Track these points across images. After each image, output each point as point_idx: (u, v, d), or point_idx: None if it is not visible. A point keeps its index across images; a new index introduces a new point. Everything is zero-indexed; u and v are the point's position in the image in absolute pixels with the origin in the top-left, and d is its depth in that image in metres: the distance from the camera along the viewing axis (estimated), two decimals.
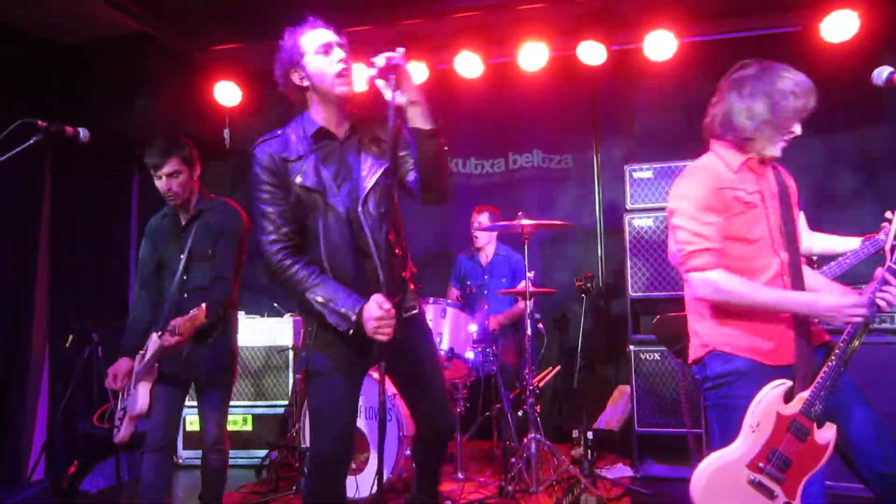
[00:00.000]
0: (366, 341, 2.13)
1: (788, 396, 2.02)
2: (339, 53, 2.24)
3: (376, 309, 2.08)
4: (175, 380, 3.02)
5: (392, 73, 2.06)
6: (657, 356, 4.17)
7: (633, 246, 4.35)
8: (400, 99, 2.09)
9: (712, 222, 2.10)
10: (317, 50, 2.24)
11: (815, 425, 2.00)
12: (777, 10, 4.77)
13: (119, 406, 3.14)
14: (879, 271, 2.04)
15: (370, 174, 2.25)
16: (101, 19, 4.46)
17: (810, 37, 4.61)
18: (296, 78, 2.27)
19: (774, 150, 2.16)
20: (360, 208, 2.22)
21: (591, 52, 4.86)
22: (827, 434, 2.01)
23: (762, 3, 4.73)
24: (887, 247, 2.13)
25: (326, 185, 2.23)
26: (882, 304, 1.99)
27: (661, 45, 4.78)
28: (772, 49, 4.70)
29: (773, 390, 2.02)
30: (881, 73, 2.01)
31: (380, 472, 2.10)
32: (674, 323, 3.33)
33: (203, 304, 2.70)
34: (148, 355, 2.96)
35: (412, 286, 2.40)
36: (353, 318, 2.12)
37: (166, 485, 3.00)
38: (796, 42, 4.72)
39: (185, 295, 3.02)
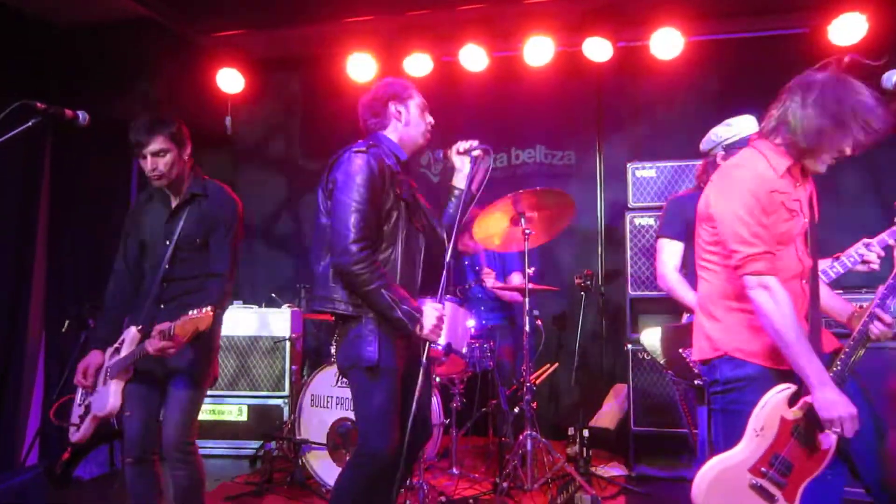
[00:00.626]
0: (418, 344, 2.41)
1: (793, 400, 2.02)
2: (430, 119, 2.75)
3: (434, 313, 2.37)
4: (149, 376, 2.73)
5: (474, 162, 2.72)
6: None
7: (634, 245, 4.34)
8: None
9: (767, 224, 2.06)
10: (420, 104, 2.71)
11: (817, 430, 1.99)
12: (785, 11, 4.74)
13: (79, 401, 2.86)
14: (880, 289, 2.08)
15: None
16: (103, 2, 4.41)
17: (818, 39, 4.58)
18: (393, 108, 2.65)
19: (820, 167, 2.12)
20: (439, 230, 2.72)
21: (597, 49, 4.83)
22: (829, 439, 2.00)
23: (770, 3, 4.70)
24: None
25: (413, 199, 2.63)
26: (872, 336, 2.05)
27: (667, 44, 4.75)
28: (779, 51, 4.67)
29: (778, 394, 2.01)
30: (891, 77, 1.99)
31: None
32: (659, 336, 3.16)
33: (210, 307, 2.48)
34: (124, 351, 2.69)
35: None
36: (419, 317, 2.37)
37: (156, 493, 2.76)
38: (804, 44, 4.68)
39: (167, 286, 2.77)
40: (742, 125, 3.11)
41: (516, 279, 4.60)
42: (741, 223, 2.06)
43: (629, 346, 4.21)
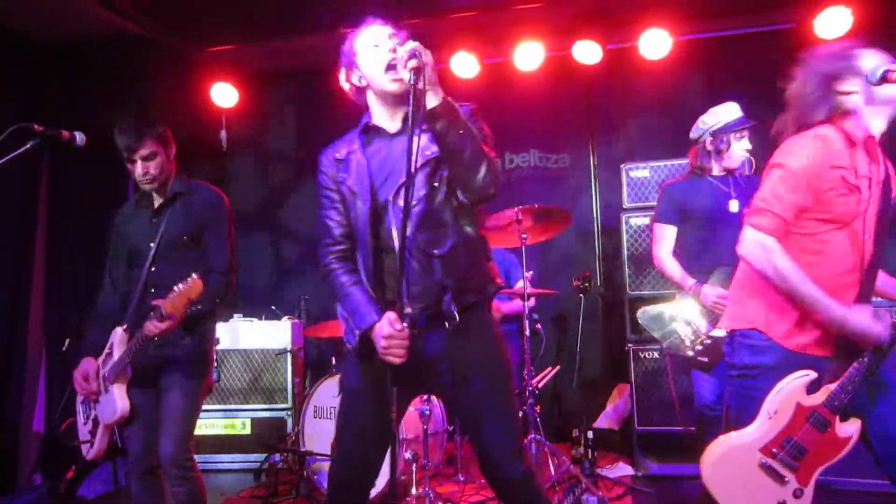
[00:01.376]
0: (404, 365, 1.93)
1: (814, 387, 2.00)
2: (387, 44, 2.08)
3: (386, 327, 1.90)
4: (148, 380, 2.66)
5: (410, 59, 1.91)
6: (656, 354, 4.17)
7: (631, 245, 4.35)
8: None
9: (799, 193, 2.02)
10: (367, 46, 2.11)
11: (837, 418, 1.98)
12: (771, 7, 4.79)
13: (84, 415, 2.79)
14: None
15: (412, 167, 1.95)
16: (97, 20, 4.44)
17: (804, 34, 4.62)
18: (354, 79, 2.16)
19: (875, 129, 2.09)
20: (390, 201, 2.04)
21: (587, 52, 4.88)
22: (850, 428, 2.00)
23: (755, 0, 4.74)
24: None
25: (364, 181, 2.09)
26: None
27: (656, 44, 4.80)
28: (766, 46, 4.71)
29: (796, 381, 2.00)
30: (876, 72, 2.00)
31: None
32: (653, 315, 3.33)
33: (194, 275, 2.40)
34: (116, 354, 2.64)
35: (457, 293, 2.01)
36: (357, 335, 1.99)
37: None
38: (790, 39, 4.72)
39: (153, 289, 2.68)
40: (725, 112, 3.31)
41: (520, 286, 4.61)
42: (774, 181, 2.06)
43: (630, 345, 4.22)
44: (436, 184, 2.03)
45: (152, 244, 2.72)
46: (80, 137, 2.57)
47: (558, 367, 4.56)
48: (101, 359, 2.73)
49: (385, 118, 2.16)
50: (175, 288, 2.43)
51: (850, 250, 2.07)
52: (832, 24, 4.49)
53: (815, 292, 1.97)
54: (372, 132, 2.16)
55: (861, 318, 1.96)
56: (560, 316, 5.33)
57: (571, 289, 4.41)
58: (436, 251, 2.00)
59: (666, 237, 3.46)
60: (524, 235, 3.96)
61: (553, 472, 3.81)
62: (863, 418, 2.02)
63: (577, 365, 4.44)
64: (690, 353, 3.07)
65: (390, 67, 2.04)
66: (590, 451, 4.05)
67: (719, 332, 2.90)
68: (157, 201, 2.81)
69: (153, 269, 2.71)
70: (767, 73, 2.27)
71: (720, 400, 3.22)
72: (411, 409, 3.77)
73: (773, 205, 2.03)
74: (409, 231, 1.93)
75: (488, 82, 5.30)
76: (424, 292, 2.00)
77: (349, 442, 2.08)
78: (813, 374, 1.99)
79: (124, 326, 2.68)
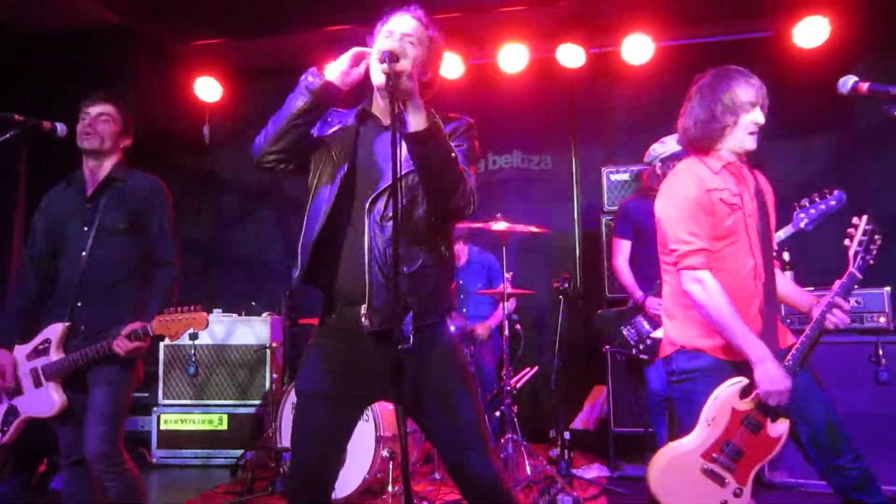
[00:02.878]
0: (364, 367, 1.92)
1: (746, 392, 2.13)
2: (397, 35, 1.96)
3: None
4: (73, 378, 2.58)
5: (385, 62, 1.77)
6: (624, 357, 4.21)
7: (610, 247, 4.38)
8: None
9: (703, 223, 2.19)
10: (383, 31, 1.99)
11: (768, 419, 2.11)
12: (751, 15, 4.87)
13: None
14: (836, 284, 2.19)
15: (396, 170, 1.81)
16: (80, 10, 4.40)
17: (783, 42, 4.72)
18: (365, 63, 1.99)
19: (745, 145, 2.26)
20: (366, 208, 1.93)
21: (571, 55, 4.92)
22: (780, 427, 2.12)
23: (736, 8, 4.82)
24: (851, 252, 2.21)
25: (345, 153, 1.98)
26: (830, 326, 2.15)
27: (638, 49, 4.86)
28: (746, 53, 4.77)
29: (730, 387, 2.13)
30: (846, 83, 2.07)
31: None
32: (606, 318, 3.96)
33: (199, 307, 2.44)
34: (54, 354, 2.54)
35: (418, 313, 1.92)
36: None
37: (91, 493, 2.61)
38: (769, 47, 4.81)
39: (90, 275, 2.58)
40: (673, 142, 3.71)
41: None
42: (677, 223, 2.23)
43: (608, 347, 4.26)
44: (416, 198, 1.93)
45: (86, 228, 2.61)
46: (60, 128, 2.56)
47: (536, 368, 4.58)
48: (26, 349, 2.60)
49: (379, 109, 2.07)
50: (168, 311, 2.43)
51: (745, 261, 2.23)
52: (810, 33, 4.59)
53: (744, 330, 2.11)
54: (366, 116, 2.07)
55: (776, 373, 2.08)
56: (539, 317, 5.36)
57: (551, 290, 4.45)
58: (404, 269, 1.89)
59: (622, 251, 3.99)
60: (505, 238, 4.00)
61: (529, 472, 3.84)
62: (791, 419, 2.15)
63: (556, 366, 4.47)
64: (634, 352, 3.78)
65: (381, 61, 1.82)
66: (566, 451, 4.08)
67: (659, 335, 3.18)
68: (91, 185, 2.68)
69: (89, 257, 2.59)
70: None
71: (664, 387, 3.66)
72: (389, 407, 3.78)
73: (693, 242, 2.20)
74: (379, 243, 1.90)
75: (472, 83, 5.32)
76: (384, 308, 1.89)
77: (306, 447, 1.99)
78: (744, 381, 2.12)
79: (67, 324, 2.56)
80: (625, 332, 3.84)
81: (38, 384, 2.58)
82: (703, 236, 2.19)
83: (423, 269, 1.93)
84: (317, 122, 2.03)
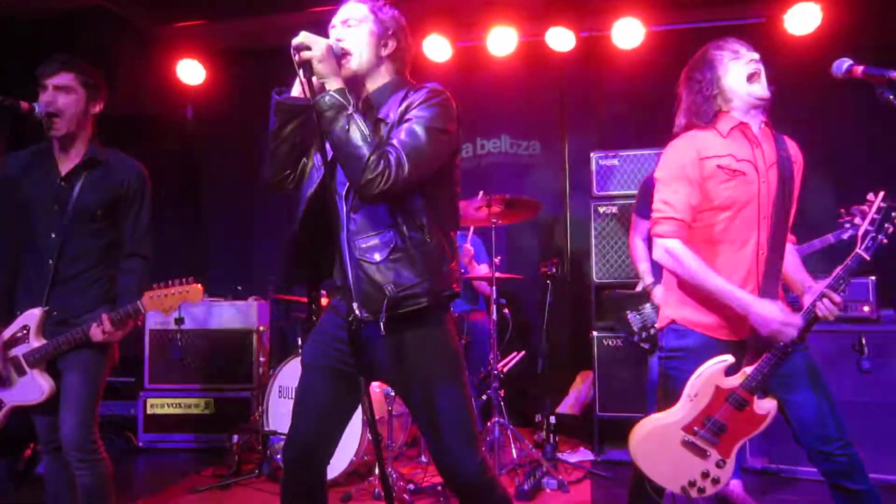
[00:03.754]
0: (353, 342, 1.94)
1: (734, 369, 2.11)
2: (332, 28, 2.05)
3: None
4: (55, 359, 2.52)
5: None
6: (619, 342, 4.23)
7: (599, 233, 4.40)
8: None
9: (682, 192, 2.16)
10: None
11: (755, 397, 2.10)
12: (742, 1, 4.84)
13: None
14: (840, 266, 2.07)
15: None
16: None
17: (774, 28, 4.69)
18: None
19: (756, 93, 2.20)
20: (342, 195, 1.98)
21: (560, 39, 4.88)
22: (767, 405, 2.11)
23: None
24: (860, 231, 2.07)
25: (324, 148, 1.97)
26: (819, 314, 2.06)
27: (629, 33, 4.83)
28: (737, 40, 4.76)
29: (714, 366, 2.11)
30: (841, 65, 2.05)
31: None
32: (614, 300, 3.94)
33: (191, 278, 2.37)
34: (34, 340, 2.47)
35: (395, 301, 1.91)
36: None
37: (72, 483, 2.55)
38: (761, 33, 4.77)
39: (64, 260, 2.48)
40: None
41: (484, 270, 4.63)
42: (660, 190, 2.23)
43: (594, 332, 4.28)
44: None
45: (57, 207, 2.49)
46: (39, 108, 2.48)
47: (524, 353, 4.60)
48: (6, 336, 2.51)
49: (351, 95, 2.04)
50: (157, 286, 2.38)
51: (749, 233, 2.18)
52: (802, 19, 4.57)
53: (721, 285, 2.10)
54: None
55: (766, 310, 2.05)
56: (527, 301, 5.37)
57: (539, 275, 4.45)
58: (376, 257, 1.92)
59: (638, 228, 3.72)
60: (494, 220, 3.98)
61: (515, 456, 3.87)
62: (784, 400, 2.15)
63: (543, 351, 4.48)
64: (635, 339, 3.72)
65: (292, 54, 1.91)
66: (552, 435, 4.12)
67: None
68: (64, 163, 2.55)
69: (63, 240, 2.48)
70: None
71: None
72: (376, 389, 3.79)
73: (665, 211, 2.19)
74: (347, 235, 1.95)
75: (461, 66, 5.28)
76: (365, 299, 1.92)
77: (304, 418, 2.04)
78: (730, 359, 2.10)
79: (45, 308, 2.49)
80: (629, 317, 3.78)
81: (20, 372, 2.51)
82: (680, 206, 2.16)
83: (396, 255, 1.92)
84: (300, 133, 2.04)
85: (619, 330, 3.94)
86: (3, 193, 2.57)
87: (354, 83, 2.01)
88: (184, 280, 2.44)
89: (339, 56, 1.95)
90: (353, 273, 1.95)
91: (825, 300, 2.05)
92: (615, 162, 4.48)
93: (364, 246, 1.93)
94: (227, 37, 5.35)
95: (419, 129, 1.88)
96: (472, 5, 4.88)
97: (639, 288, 3.75)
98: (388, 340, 1.94)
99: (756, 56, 2.23)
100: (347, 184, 1.95)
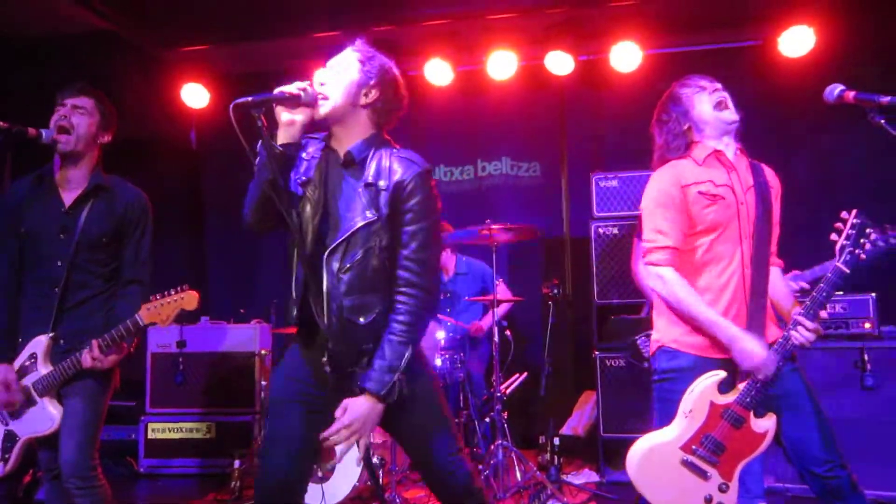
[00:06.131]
0: (322, 375, 1.97)
1: (728, 386, 2.12)
2: (318, 75, 2.08)
3: None
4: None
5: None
6: (622, 362, 4.22)
7: (599, 253, 4.41)
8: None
9: (672, 219, 2.22)
10: None
11: (751, 414, 2.09)
12: (737, 24, 4.91)
13: None
14: (822, 280, 2.11)
15: (352, 223, 1.97)
16: (66, 17, 4.37)
17: (769, 51, 4.77)
18: None
19: (724, 118, 2.28)
20: (325, 259, 1.98)
21: (559, 62, 4.94)
22: (765, 423, 2.10)
23: (723, 17, 4.86)
24: (837, 247, 2.13)
25: (314, 199, 2.03)
26: (796, 342, 2.09)
27: (626, 57, 4.89)
28: (732, 62, 4.84)
29: (707, 381, 2.12)
30: (833, 91, 2.10)
31: None
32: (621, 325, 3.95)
33: (186, 286, 2.41)
34: (42, 366, 2.46)
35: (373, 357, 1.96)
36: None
37: None
38: (756, 56, 4.86)
39: (70, 287, 2.50)
40: None
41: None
42: (648, 220, 2.29)
43: (597, 353, 4.27)
44: (370, 250, 1.96)
45: (63, 236, 2.51)
46: (46, 134, 2.51)
47: (526, 374, 4.59)
48: (16, 367, 2.50)
49: (336, 140, 2.09)
50: (154, 298, 2.39)
51: (732, 254, 2.23)
52: (796, 42, 4.64)
53: (710, 316, 2.14)
54: (329, 148, 2.10)
55: (748, 346, 2.08)
56: (529, 323, 5.36)
57: (540, 296, 4.46)
58: (361, 319, 1.95)
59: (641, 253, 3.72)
60: (494, 244, 4.01)
61: (519, 478, 3.84)
62: (784, 421, 2.14)
63: (545, 372, 4.47)
64: (645, 365, 3.60)
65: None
66: (556, 457, 4.09)
67: None
68: (67, 192, 2.57)
69: (69, 267, 2.50)
70: (734, 88, 2.37)
71: None
72: None
73: (657, 240, 2.24)
74: (337, 294, 1.95)
75: (462, 90, 5.35)
76: (342, 355, 1.95)
77: (275, 455, 2.03)
78: (722, 374, 2.12)
79: (50, 335, 2.49)
80: (638, 342, 3.76)
81: (31, 402, 2.49)
82: (672, 234, 2.22)
83: (379, 318, 1.97)
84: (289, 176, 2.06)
85: (625, 354, 3.96)
86: (8, 222, 2.57)
87: (332, 128, 2.07)
88: (179, 288, 2.44)
89: (313, 99, 1.98)
90: (333, 332, 1.96)
91: (799, 328, 2.08)
92: (615, 183, 4.51)
93: (351, 308, 1.97)
94: (231, 61, 5.41)
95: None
96: (472, 30, 4.95)
97: (645, 313, 3.81)
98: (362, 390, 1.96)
99: (719, 86, 2.32)
100: (331, 246, 1.98)
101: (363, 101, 2.03)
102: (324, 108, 2.00)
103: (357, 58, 2.06)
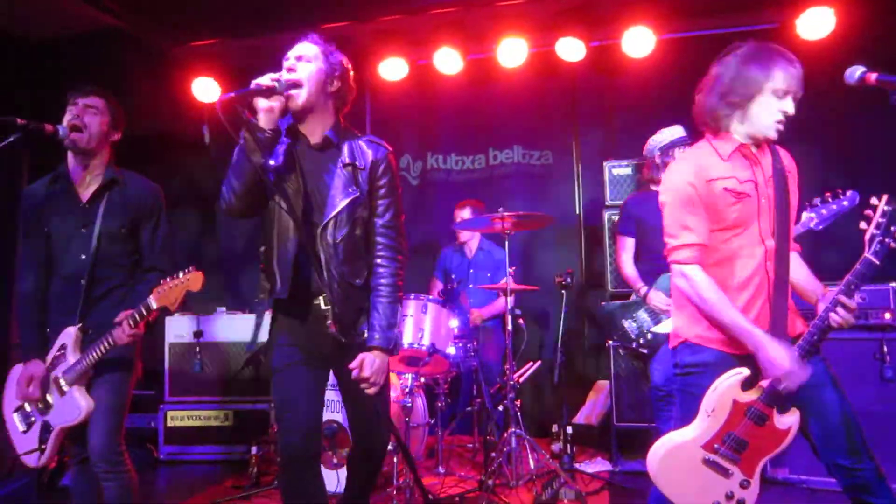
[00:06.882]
0: (320, 338, 2.26)
1: (750, 383, 2.08)
2: (287, 60, 2.31)
3: None
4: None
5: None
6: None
7: (613, 241, 4.39)
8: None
9: (698, 215, 2.15)
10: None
11: (774, 411, 2.06)
12: (754, 7, 4.80)
13: (23, 424, 2.66)
14: (847, 278, 2.05)
15: (339, 199, 2.25)
16: (77, 15, 4.41)
17: (787, 34, 4.64)
18: None
19: (762, 130, 2.15)
20: (318, 234, 2.24)
21: (570, 49, 4.89)
22: (789, 419, 2.07)
23: (739, 0, 4.76)
24: (867, 236, 2.04)
25: (295, 180, 2.28)
26: (834, 324, 2.04)
27: (639, 42, 4.82)
28: None
29: (730, 379, 2.08)
30: (853, 73, 2.04)
31: None
32: (609, 311, 3.99)
33: (192, 267, 2.45)
34: (71, 357, 2.55)
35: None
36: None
37: (98, 495, 2.63)
38: (773, 39, 4.68)
39: (95, 279, 2.60)
40: (671, 132, 3.80)
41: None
42: (671, 215, 2.20)
43: (610, 342, 4.27)
44: (356, 222, 2.28)
45: (84, 230, 2.62)
46: (62, 131, 2.57)
47: (539, 363, 4.60)
48: (48, 359, 2.61)
49: (305, 127, 2.33)
50: (164, 281, 2.45)
51: (755, 249, 2.16)
52: (814, 24, 4.53)
53: (736, 320, 2.07)
54: (296, 134, 2.34)
55: (775, 355, 2.01)
56: (542, 311, 5.37)
57: (554, 285, 4.46)
58: (357, 282, 2.29)
59: (625, 247, 3.97)
60: (507, 232, 4.00)
61: (532, 466, 3.86)
62: (801, 411, 2.10)
63: (558, 361, 4.48)
64: (634, 346, 3.80)
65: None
66: (569, 446, 4.11)
67: (660, 329, 3.67)
68: (83, 188, 2.67)
69: (93, 260, 2.60)
70: None
71: (667, 382, 3.55)
72: (393, 402, 3.81)
73: (683, 237, 2.16)
74: (334, 263, 2.24)
75: (472, 78, 5.32)
76: (344, 316, 2.26)
77: (297, 405, 2.25)
78: (746, 372, 2.07)
79: (79, 325, 2.59)
80: (626, 326, 3.84)
81: (62, 393, 2.58)
82: (698, 230, 2.14)
83: (369, 278, 2.33)
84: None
85: (615, 339, 4.00)
86: (34, 227, 2.67)
87: (303, 115, 2.29)
88: (185, 271, 2.49)
89: (287, 87, 2.20)
90: (335, 297, 2.26)
91: (839, 309, 2.03)
92: (628, 171, 4.49)
93: (350, 273, 2.30)
94: (242, 54, 5.42)
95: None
96: (481, 17, 4.90)
97: (634, 297, 3.90)
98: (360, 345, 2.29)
99: (796, 89, 2.16)
100: (323, 223, 2.25)
101: (329, 89, 2.30)
102: (301, 98, 2.23)
103: (321, 50, 2.31)
